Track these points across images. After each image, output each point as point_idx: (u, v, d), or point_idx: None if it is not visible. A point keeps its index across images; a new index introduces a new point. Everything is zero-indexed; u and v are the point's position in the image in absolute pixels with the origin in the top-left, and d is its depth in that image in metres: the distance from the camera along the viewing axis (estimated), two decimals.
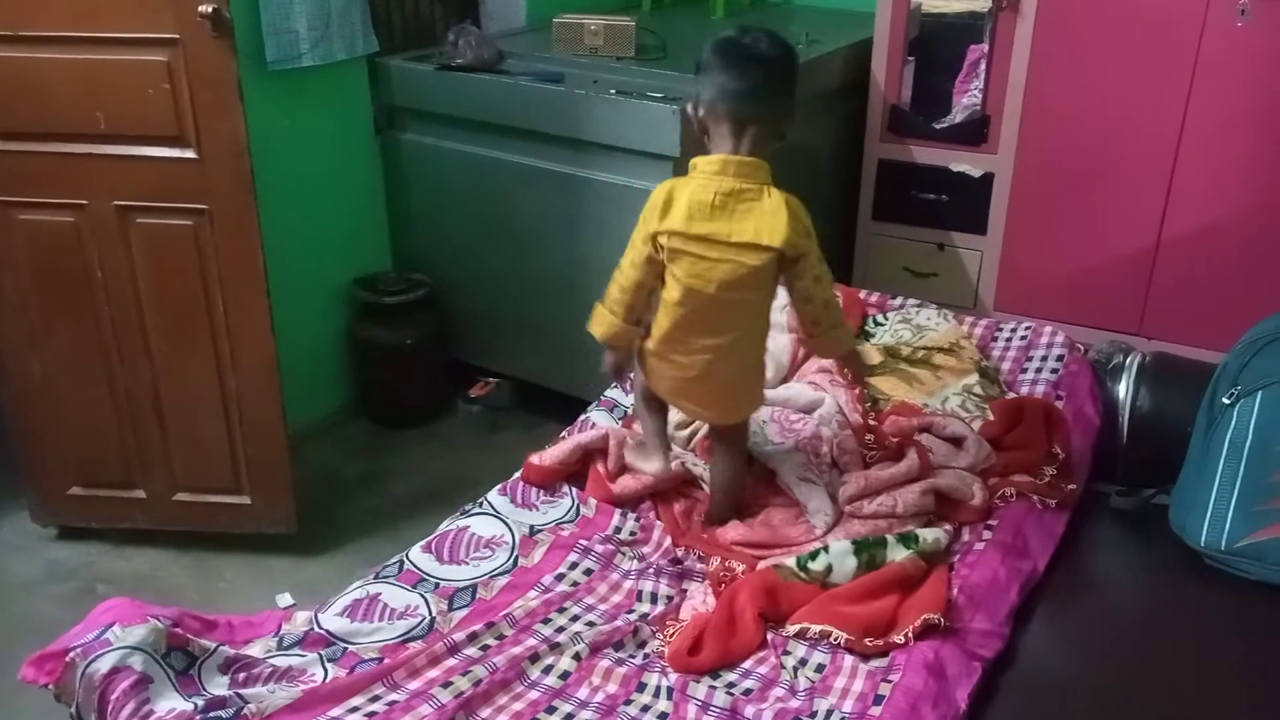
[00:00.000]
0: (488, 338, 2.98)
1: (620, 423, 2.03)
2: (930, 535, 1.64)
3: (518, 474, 1.85)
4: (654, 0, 3.57)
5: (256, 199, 2.16)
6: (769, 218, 1.51)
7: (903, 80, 2.95)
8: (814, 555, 1.60)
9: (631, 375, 1.84)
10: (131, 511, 2.42)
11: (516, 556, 1.67)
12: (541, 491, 1.81)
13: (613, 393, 2.15)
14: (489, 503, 1.77)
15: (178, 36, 2.02)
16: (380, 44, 2.78)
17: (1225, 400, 1.78)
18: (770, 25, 3.39)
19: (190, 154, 2.12)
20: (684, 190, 1.55)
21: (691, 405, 1.73)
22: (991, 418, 1.94)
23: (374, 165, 2.92)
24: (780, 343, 2.11)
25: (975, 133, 2.88)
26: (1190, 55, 2.57)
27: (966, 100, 2.90)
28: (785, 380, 2.08)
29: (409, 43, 3.08)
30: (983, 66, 2.82)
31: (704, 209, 1.52)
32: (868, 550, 1.60)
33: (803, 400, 1.97)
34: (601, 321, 1.70)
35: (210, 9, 1.99)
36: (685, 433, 1.96)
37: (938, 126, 2.95)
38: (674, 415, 1.92)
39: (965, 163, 2.93)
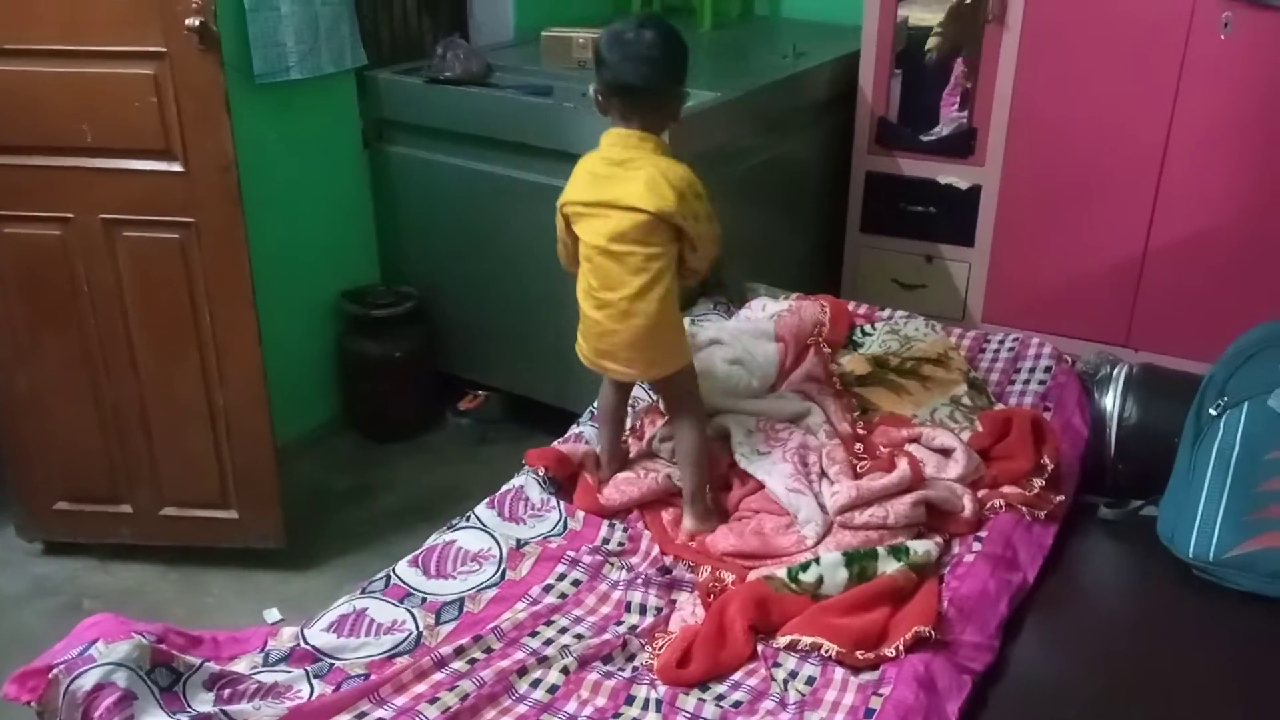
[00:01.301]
0: (476, 350, 2.97)
1: None
2: (921, 547, 1.64)
3: (506, 487, 1.85)
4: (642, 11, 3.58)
5: (244, 212, 2.15)
6: (649, 186, 1.68)
7: (890, 93, 2.96)
8: (805, 566, 1.60)
9: None
10: (118, 526, 2.41)
11: (504, 569, 1.66)
12: (530, 505, 1.81)
13: None
14: (476, 516, 1.77)
15: (165, 50, 2.02)
16: (369, 57, 2.78)
17: (1212, 411, 1.79)
18: (758, 38, 3.43)
19: (177, 167, 2.11)
20: (584, 163, 1.78)
21: (611, 364, 1.82)
22: (980, 429, 1.94)
23: (362, 178, 2.91)
24: (766, 352, 2.11)
25: (962, 145, 2.90)
26: (1175, 66, 2.59)
27: (953, 113, 2.91)
28: (773, 389, 2.07)
29: (397, 56, 3.08)
30: (969, 79, 2.83)
31: (594, 178, 1.74)
32: (859, 562, 1.60)
33: (789, 410, 1.97)
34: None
35: (197, 22, 1.98)
36: (669, 445, 1.96)
37: (925, 139, 2.96)
38: (659, 430, 1.93)
39: (953, 175, 2.94)
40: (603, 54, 1.73)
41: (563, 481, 1.89)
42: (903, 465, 1.75)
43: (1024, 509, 1.78)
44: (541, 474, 1.87)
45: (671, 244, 1.73)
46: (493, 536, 1.72)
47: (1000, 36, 2.74)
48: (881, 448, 1.87)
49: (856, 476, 1.78)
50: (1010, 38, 2.73)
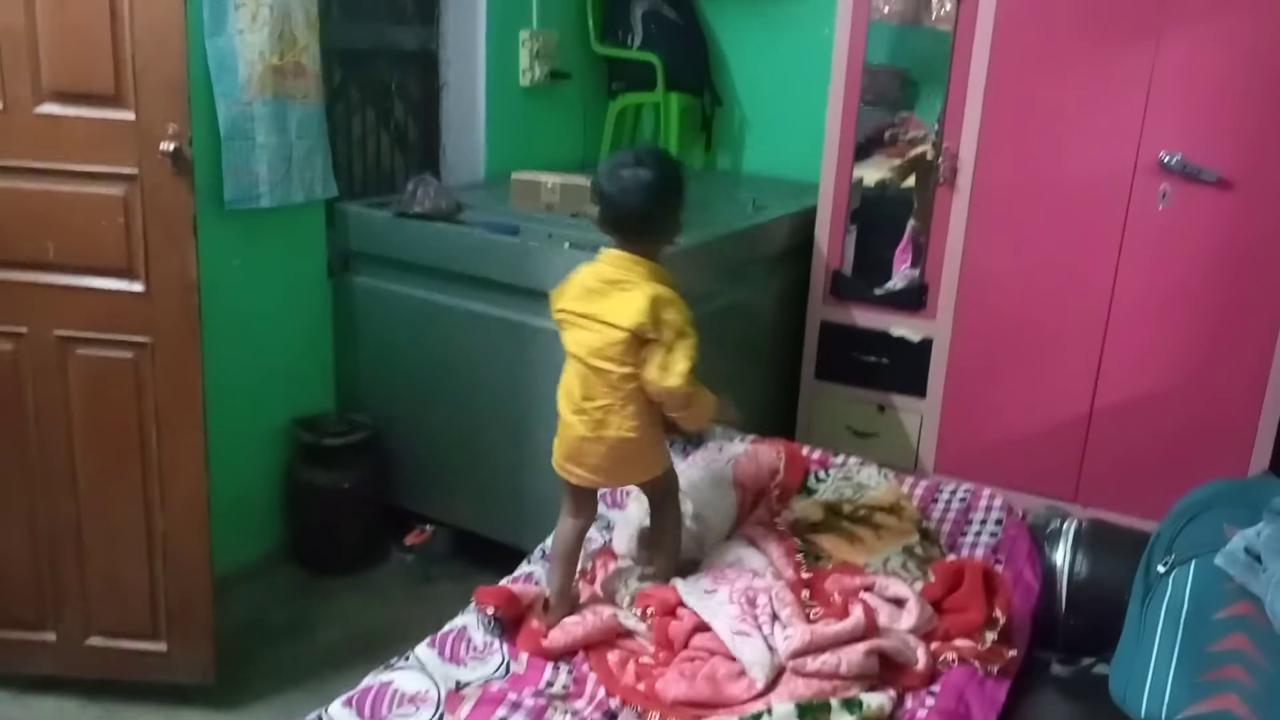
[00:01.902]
0: (427, 483, 2.93)
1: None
2: (875, 700, 1.61)
3: (448, 626, 1.79)
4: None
5: (202, 334, 2.14)
6: (629, 304, 1.75)
7: (844, 247, 3.06)
8: (757, 717, 1.56)
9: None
10: (39, 656, 2.29)
11: (442, 713, 1.60)
12: (471, 646, 1.76)
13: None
14: (416, 656, 1.71)
15: (136, 172, 2.04)
16: (340, 189, 2.84)
17: (1160, 568, 1.79)
18: (719, 190, 3.55)
19: (138, 287, 2.10)
20: (580, 274, 1.84)
21: (577, 469, 1.84)
22: (932, 579, 1.93)
23: (324, 306, 2.92)
24: (728, 503, 2.11)
25: (914, 299, 2.99)
26: (1117, 233, 2.71)
27: (906, 268, 3.01)
28: (727, 538, 2.07)
29: (369, 190, 3.14)
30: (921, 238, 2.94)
31: (587, 292, 1.80)
32: (811, 714, 1.56)
33: (731, 556, 1.97)
34: None
35: (172, 147, 2.02)
36: (628, 590, 1.92)
37: (878, 292, 3.05)
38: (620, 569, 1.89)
39: (905, 327, 3.01)
40: (601, 185, 1.81)
41: (509, 622, 1.84)
42: (857, 612, 1.73)
43: (977, 663, 1.76)
44: (490, 613, 1.82)
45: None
46: (431, 678, 1.66)
47: (951, 198, 2.86)
48: (835, 595, 1.85)
49: (809, 621, 1.76)
50: (960, 200, 2.85)
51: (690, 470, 2.26)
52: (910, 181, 2.98)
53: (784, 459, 2.30)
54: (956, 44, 2.78)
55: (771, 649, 1.71)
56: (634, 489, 2.05)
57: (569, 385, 1.83)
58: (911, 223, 2.98)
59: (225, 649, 2.34)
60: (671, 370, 1.74)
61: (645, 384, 1.76)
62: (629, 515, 2.10)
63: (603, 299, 1.77)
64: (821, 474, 2.34)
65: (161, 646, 2.28)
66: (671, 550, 1.95)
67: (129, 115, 2.02)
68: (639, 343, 1.75)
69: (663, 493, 1.93)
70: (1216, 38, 2.53)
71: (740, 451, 2.32)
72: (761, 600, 1.80)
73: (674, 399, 1.77)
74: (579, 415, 1.80)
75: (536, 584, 1.95)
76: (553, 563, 1.91)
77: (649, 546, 1.98)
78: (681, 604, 1.83)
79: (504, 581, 1.94)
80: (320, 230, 2.85)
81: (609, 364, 1.76)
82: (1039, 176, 2.77)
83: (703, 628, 1.78)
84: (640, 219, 1.79)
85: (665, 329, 1.74)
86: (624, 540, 2.06)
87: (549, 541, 2.12)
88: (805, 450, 2.46)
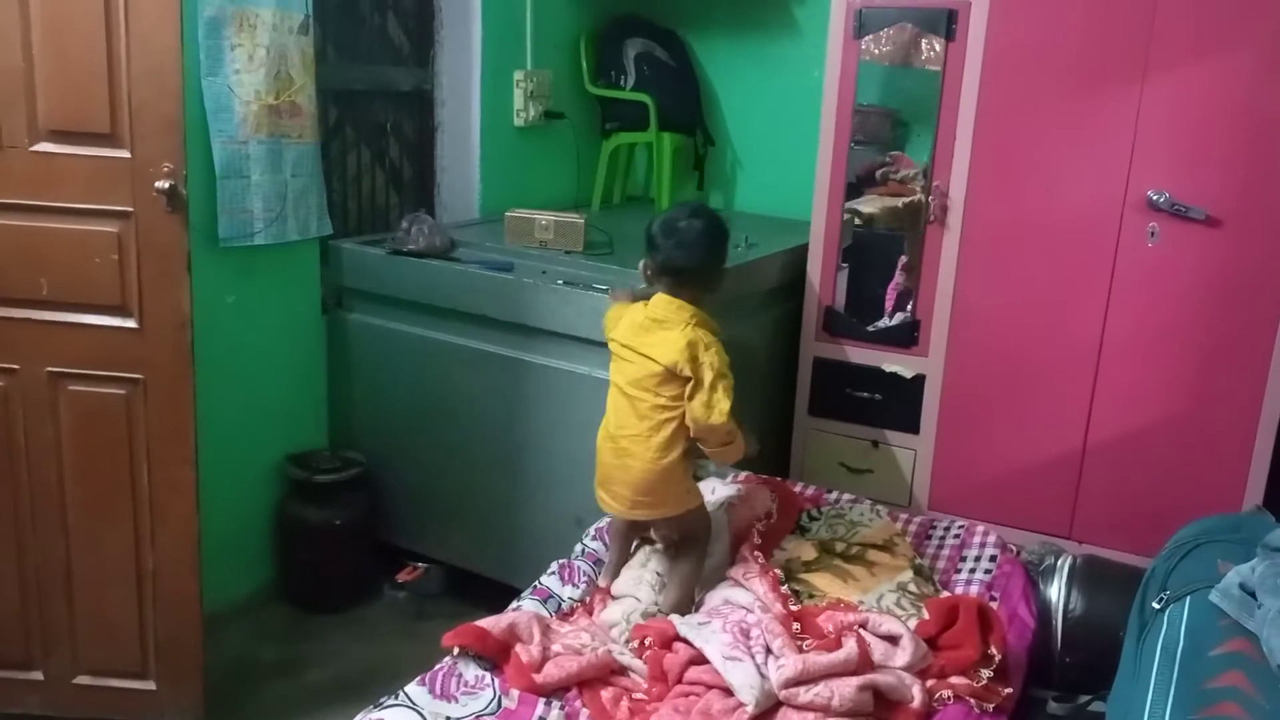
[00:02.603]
0: (420, 520, 2.92)
1: (554, 614, 1.98)
2: None
3: (438, 664, 1.78)
4: (603, 199, 3.73)
5: (194, 371, 2.14)
6: (668, 343, 1.91)
7: (837, 284, 3.08)
8: None
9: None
10: (26, 695, 2.26)
11: None
12: (463, 682, 1.74)
13: (547, 580, 2.11)
14: (406, 695, 1.69)
15: (131, 210, 2.05)
16: (334, 227, 2.85)
17: (1155, 605, 1.79)
18: None
19: (131, 323, 2.11)
20: (631, 311, 2.01)
21: (605, 494, 2.00)
22: (927, 616, 1.93)
23: (318, 343, 2.93)
24: (722, 549, 2.11)
25: (906, 336, 3.00)
26: (1107, 271, 2.73)
27: (898, 305, 3.03)
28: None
29: (363, 227, 3.16)
30: (912, 274, 2.96)
31: (636, 327, 1.98)
32: None
33: (711, 600, 1.96)
34: None
35: (167, 185, 2.03)
36: (618, 626, 1.91)
37: (870, 329, 3.06)
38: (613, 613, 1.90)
39: (897, 364, 3.02)
40: (656, 239, 1.98)
41: (496, 658, 1.82)
42: (850, 644, 1.72)
43: (973, 701, 1.75)
44: (456, 653, 1.80)
45: (676, 397, 1.91)
46: (422, 716, 1.64)
47: (941, 235, 2.89)
48: (829, 628, 1.84)
49: (802, 653, 1.74)
50: (951, 238, 2.87)
51: None
52: (902, 219, 3.01)
53: (777, 502, 2.29)
54: (945, 85, 2.81)
55: (763, 675, 1.70)
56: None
57: (607, 414, 2.00)
58: (903, 260, 3.00)
59: (215, 688, 2.32)
60: (715, 408, 1.88)
61: (690, 420, 1.90)
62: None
63: (647, 335, 1.95)
64: (814, 512, 2.34)
65: (150, 685, 2.26)
66: (685, 586, 2.00)
67: (124, 154, 2.04)
68: (673, 379, 1.90)
69: (690, 533, 2.03)
70: (1203, 77, 2.57)
71: (732, 493, 2.32)
72: (755, 633, 1.80)
73: (715, 435, 1.92)
74: (609, 443, 1.97)
75: (517, 608, 1.93)
76: (611, 539, 2.13)
77: (665, 574, 2.04)
78: (678, 638, 1.82)
79: (480, 621, 1.89)
80: (315, 267, 2.86)
81: (643, 394, 1.92)
82: (1029, 214, 2.79)
83: (698, 660, 1.76)
84: (692, 268, 1.96)
85: (705, 369, 1.89)
86: (627, 581, 2.05)
87: (543, 579, 2.12)
88: (798, 487, 2.46)
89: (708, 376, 1.88)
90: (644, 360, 1.93)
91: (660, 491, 1.95)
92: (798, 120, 3.48)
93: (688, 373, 1.88)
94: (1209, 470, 2.71)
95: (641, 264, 2.05)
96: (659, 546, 2.11)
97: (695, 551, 2.03)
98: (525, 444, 2.67)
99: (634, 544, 2.15)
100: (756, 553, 2.06)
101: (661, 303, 1.97)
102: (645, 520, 2.04)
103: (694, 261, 1.97)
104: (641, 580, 2.03)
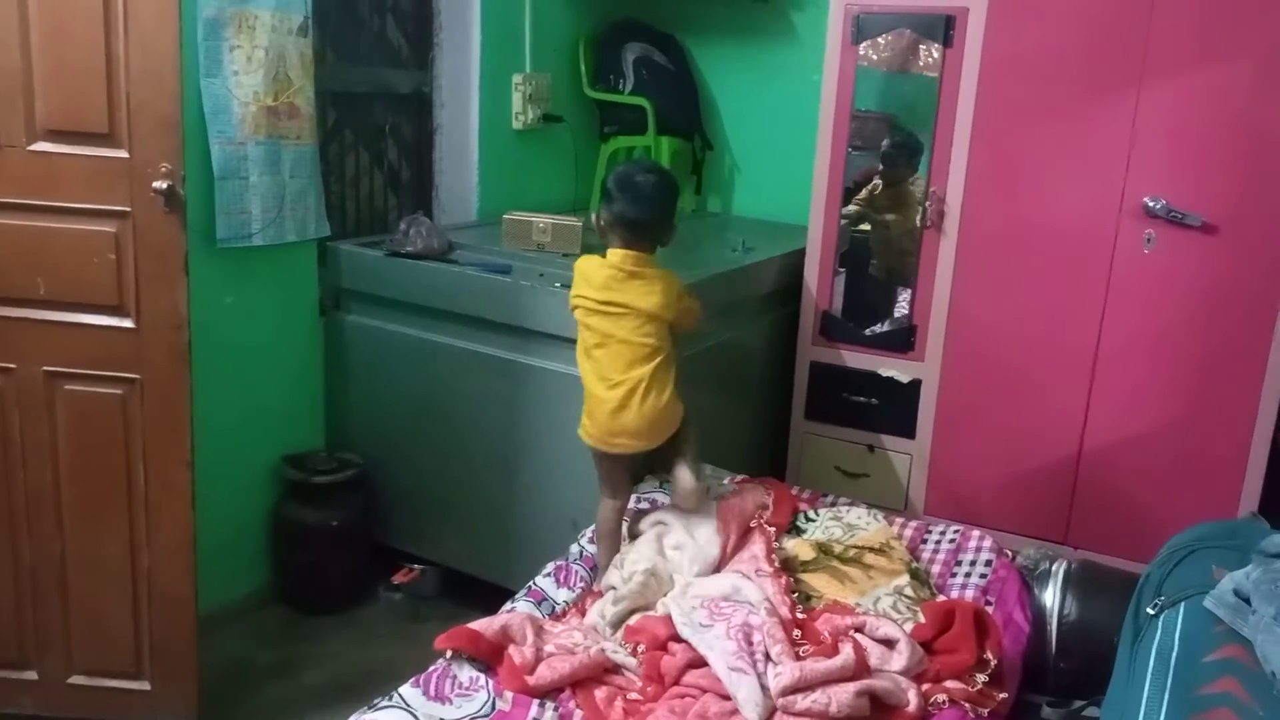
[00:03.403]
0: (416, 522, 2.92)
1: (548, 616, 1.98)
2: None
3: (433, 666, 1.78)
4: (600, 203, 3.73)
5: (191, 372, 2.14)
6: (650, 293, 2.12)
7: (833, 289, 3.08)
8: None
9: None
10: (19, 695, 2.26)
11: None
12: (457, 684, 1.74)
13: (542, 581, 2.11)
14: (400, 696, 1.69)
15: (129, 210, 2.05)
16: (333, 229, 2.85)
17: (1150, 610, 1.79)
18: (710, 232, 3.59)
19: (128, 323, 2.11)
20: (594, 271, 2.14)
21: (623, 439, 2.14)
22: (923, 620, 1.93)
23: (315, 344, 2.93)
24: (707, 534, 2.11)
25: (903, 340, 3.00)
26: (1103, 278, 2.74)
27: (894, 310, 3.03)
28: (717, 571, 2.06)
29: (361, 229, 3.16)
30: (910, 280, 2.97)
31: (607, 282, 2.12)
32: None
33: (726, 587, 1.96)
34: None
35: (165, 185, 2.03)
36: (610, 618, 1.91)
37: (867, 333, 3.06)
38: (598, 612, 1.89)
39: (894, 368, 3.03)
40: (613, 192, 2.13)
41: (489, 660, 1.82)
42: (846, 650, 1.72)
43: (967, 705, 1.75)
44: (449, 656, 1.79)
45: (667, 336, 2.14)
46: (416, 717, 1.64)
47: (938, 241, 2.89)
48: (825, 634, 1.84)
49: (799, 659, 1.74)
50: (948, 243, 2.88)
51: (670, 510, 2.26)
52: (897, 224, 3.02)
53: (772, 496, 2.30)
54: (943, 91, 2.82)
55: (765, 688, 1.70)
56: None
57: (602, 365, 2.13)
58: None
59: (210, 689, 2.32)
60: (698, 316, 2.29)
61: (684, 328, 2.23)
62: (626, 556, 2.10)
63: (625, 287, 2.11)
64: (811, 513, 2.34)
65: (145, 686, 2.25)
66: (696, 458, 2.23)
67: (123, 154, 2.04)
68: (654, 321, 2.11)
69: (685, 430, 2.22)
70: (1199, 84, 2.58)
71: (727, 491, 2.32)
72: (757, 638, 1.80)
73: (697, 323, 2.30)
74: (618, 388, 2.11)
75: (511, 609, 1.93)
76: (598, 542, 2.19)
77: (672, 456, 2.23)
78: (673, 639, 1.82)
79: (473, 624, 1.89)
80: (312, 269, 2.86)
81: (641, 339, 2.11)
82: (1025, 220, 2.80)
83: (696, 663, 1.76)
84: (648, 220, 2.13)
85: (685, 312, 2.21)
86: (614, 576, 2.05)
87: (537, 580, 2.12)
88: (795, 490, 2.46)
89: (685, 303, 2.19)
90: (630, 311, 2.10)
91: (667, 418, 2.15)
92: (795, 125, 3.49)
93: (670, 317, 2.14)
94: (1204, 476, 2.72)
95: (595, 216, 2.19)
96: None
97: (693, 436, 2.23)
98: (522, 446, 2.67)
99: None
100: (773, 556, 2.06)
101: (625, 258, 2.12)
102: (654, 449, 2.18)
103: (652, 215, 2.13)
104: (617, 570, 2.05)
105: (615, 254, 2.14)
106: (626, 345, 2.11)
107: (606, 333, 2.12)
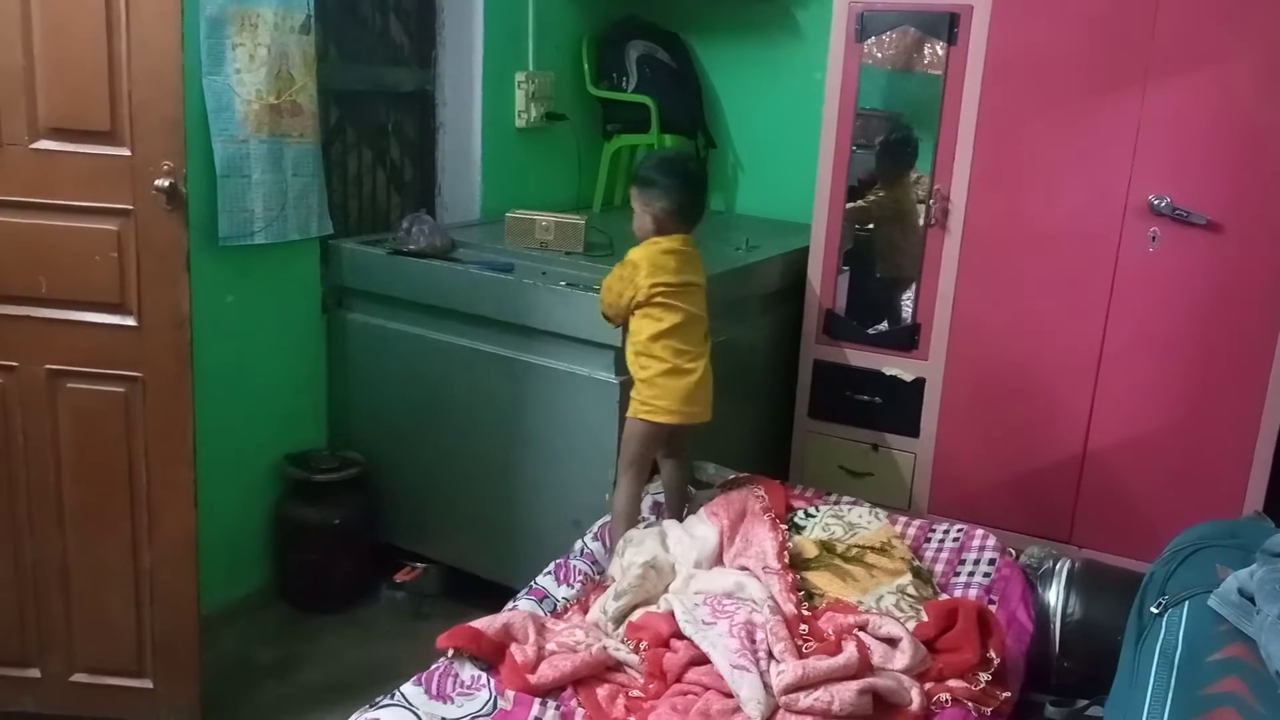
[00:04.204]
0: (419, 521, 2.91)
1: (549, 614, 1.98)
2: None
3: (434, 665, 1.77)
4: (604, 201, 3.73)
5: (193, 370, 2.14)
6: (702, 268, 2.32)
7: (837, 287, 3.07)
8: None
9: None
10: (22, 693, 2.26)
11: None
12: (459, 682, 1.74)
13: (543, 580, 2.11)
14: (401, 694, 1.69)
15: (131, 207, 2.05)
16: (335, 227, 2.85)
17: (1154, 610, 1.78)
18: (713, 230, 3.59)
19: (130, 321, 2.10)
20: (662, 255, 2.24)
21: (700, 409, 2.27)
22: (925, 618, 1.92)
23: (317, 342, 2.92)
24: (704, 530, 2.11)
25: (907, 339, 2.99)
26: (1108, 276, 2.72)
27: (899, 309, 3.02)
28: (719, 559, 2.06)
29: (364, 227, 3.16)
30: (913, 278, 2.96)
31: (682, 265, 2.25)
32: None
33: (729, 583, 1.95)
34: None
35: (166, 183, 2.03)
36: (612, 613, 1.91)
37: (871, 332, 3.05)
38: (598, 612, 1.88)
39: (897, 367, 3.02)
40: (668, 183, 2.24)
41: (491, 659, 1.81)
42: (850, 648, 1.71)
43: (970, 705, 1.75)
44: (451, 654, 1.79)
45: None
46: (417, 715, 1.64)
47: (942, 240, 2.88)
48: (829, 631, 1.83)
49: (802, 657, 1.74)
50: (951, 242, 2.87)
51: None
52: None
53: (763, 489, 2.30)
54: (947, 89, 2.81)
55: (767, 686, 1.70)
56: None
57: (683, 341, 2.22)
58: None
59: (212, 687, 2.32)
60: None
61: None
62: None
63: (693, 266, 2.27)
64: (810, 510, 2.34)
65: (147, 684, 2.25)
66: (682, 490, 2.38)
67: (124, 152, 2.04)
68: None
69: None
70: (1204, 83, 2.56)
71: (719, 492, 2.35)
72: (760, 635, 1.79)
73: None
74: (699, 360, 2.24)
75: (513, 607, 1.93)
76: (617, 524, 2.25)
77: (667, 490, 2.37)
78: (676, 636, 1.82)
79: (474, 622, 1.89)
80: (315, 267, 2.86)
81: (705, 312, 2.28)
82: (1030, 218, 2.79)
83: (698, 660, 1.76)
84: (703, 203, 2.35)
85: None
86: (614, 567, 2.06)
87: (539, 579, 2.11)
88: (798, 489, 2.46)
89: None
90: (700, 287, 2.27)
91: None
92: (799, 123, 3.48)
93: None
94: (1209, 475, 2.71)
95: (647, 207, 2.25)
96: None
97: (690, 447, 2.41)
98: (524, 445, 2.66)
99: None
100: (784, 553, 2.05)
101: (684, 241, 2.26)
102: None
103: (704, 197, 2.37)
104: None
105: (675, 238, 2.25)
106: (700, 319, 2.26)
107: (688, 311, 2.23)
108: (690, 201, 2.27)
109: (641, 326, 2.23)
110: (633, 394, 2.27)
